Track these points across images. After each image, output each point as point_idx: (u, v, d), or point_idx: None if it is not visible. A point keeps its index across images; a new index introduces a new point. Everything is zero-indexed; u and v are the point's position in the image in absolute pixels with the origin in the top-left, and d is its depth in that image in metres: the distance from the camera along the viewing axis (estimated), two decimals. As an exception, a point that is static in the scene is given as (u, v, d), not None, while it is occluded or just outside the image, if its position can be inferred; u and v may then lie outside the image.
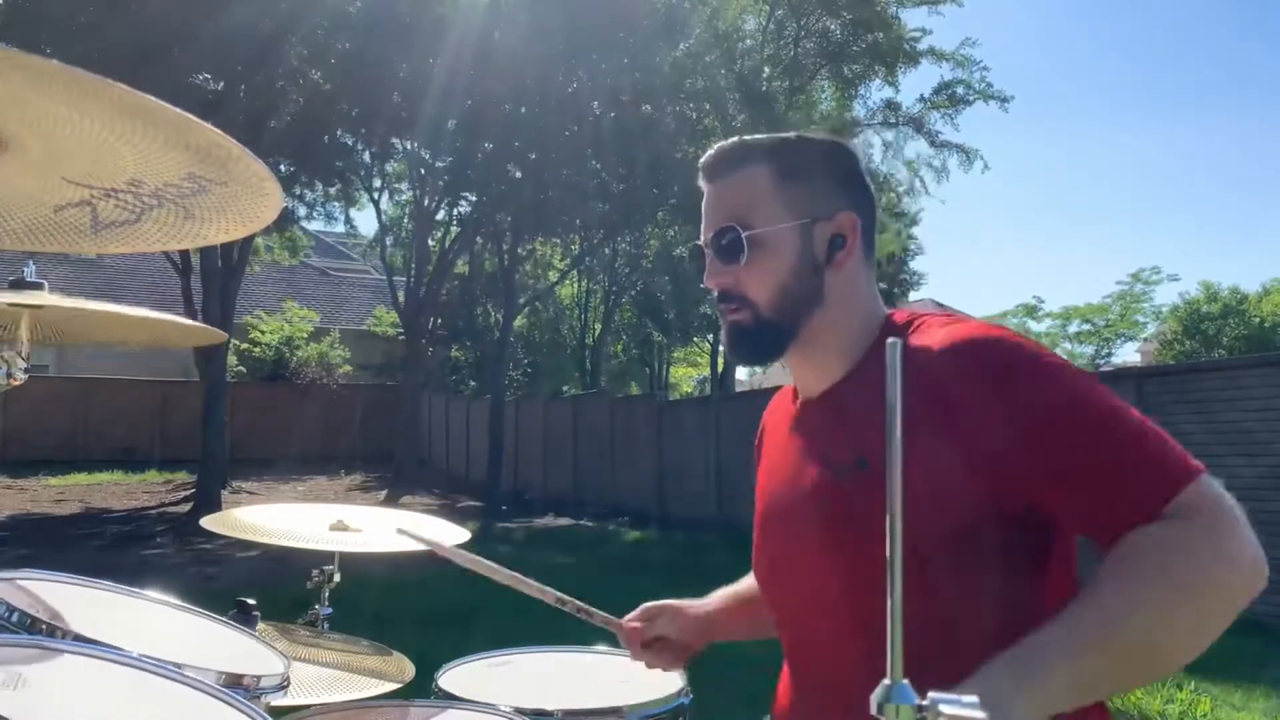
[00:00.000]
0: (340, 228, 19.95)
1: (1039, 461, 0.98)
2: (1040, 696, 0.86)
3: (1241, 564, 0.91)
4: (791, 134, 1.23)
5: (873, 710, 0.66)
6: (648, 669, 1.47)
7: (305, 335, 23.82)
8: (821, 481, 1.14)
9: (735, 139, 1.22)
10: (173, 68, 11.59)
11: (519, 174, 15.78)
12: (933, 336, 1.08)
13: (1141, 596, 0.90)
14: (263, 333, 23.17)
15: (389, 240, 20.48)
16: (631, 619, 1.46)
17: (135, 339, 1.59)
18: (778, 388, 1.47)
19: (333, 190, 16.91)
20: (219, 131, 0.87)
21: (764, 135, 1.23)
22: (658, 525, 13.62)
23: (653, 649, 1.45)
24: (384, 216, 19.22)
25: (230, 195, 0.98)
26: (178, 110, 0.84)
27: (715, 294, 1.21)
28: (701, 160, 1.24)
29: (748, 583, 1.46)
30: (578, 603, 1.42)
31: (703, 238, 1.22)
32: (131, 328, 1.52)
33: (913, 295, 26.67)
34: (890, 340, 0.69)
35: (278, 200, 0.98)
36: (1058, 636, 0.89)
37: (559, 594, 1.41)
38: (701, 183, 1.24)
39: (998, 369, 1.01)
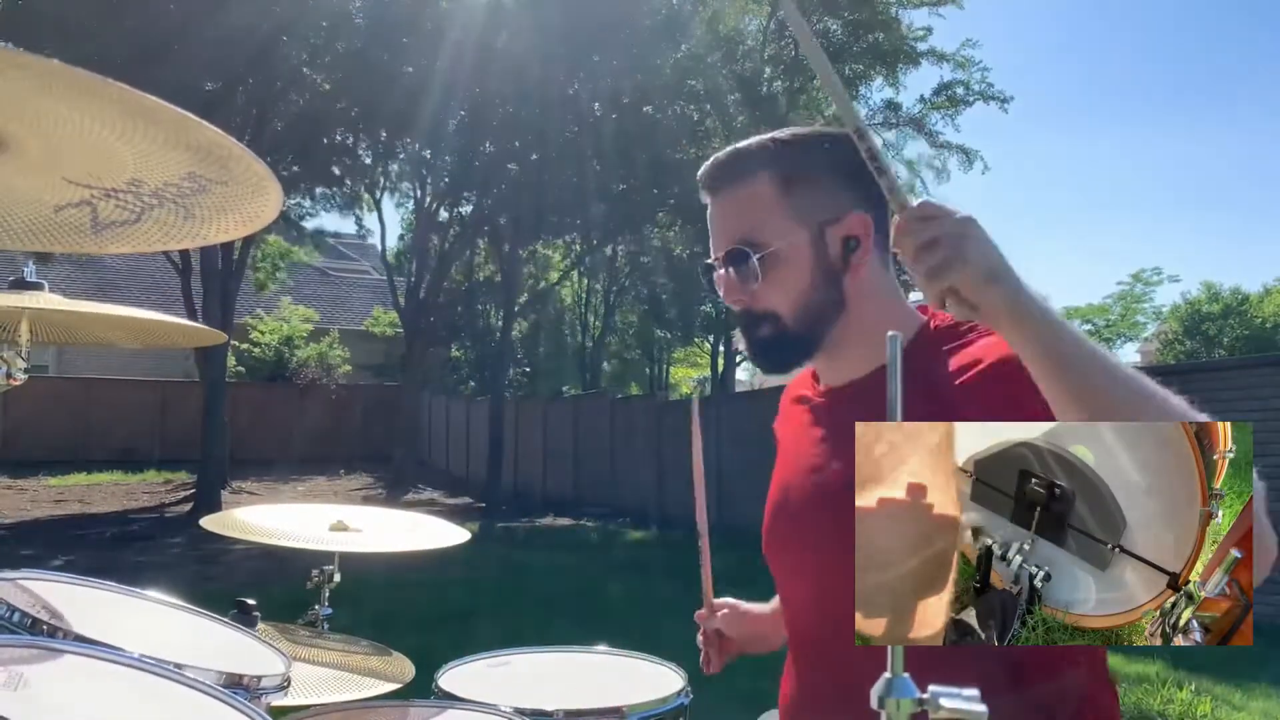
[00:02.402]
0: (339, 227, 19.99)
1: None
2: (1016, 298, 0.93)
3: None
4: (787, 132, 1.21)
5: (873, 704, 0.67)
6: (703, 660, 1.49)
7: (305, 335, 23.82)
8: (845, 477, 1.14)
9: (730, 148, 1.21)
10: (173, 68, 11.58)
11: (520, 174, 15.79)
12: (987, 351, 1.09)
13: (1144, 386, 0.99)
14: (262, 333, 23.18)
15: (390, 241, 20.51)
16: (717, 608, 1.49)
17: (135, 340, 1.59)
18: (778, 388, 1.47)
19: (333, 195, 16.92)
20: (219, 131, 0.87)
21: (761, 136, 1.21)
22: (658, 525, 13.63)
23: (710, 639, 1.49)
24: (384, 217, 19.24)
25: (230, 195, 0.98)
26: (178, 109, 0.84)
27: (736, 310, 1.20)
28: (700, 173, 1.22)
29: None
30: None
31: (712, 253, 1.20)
32: (131, 328, 1.52)
33: (914, 295, 26.62)
34: (890, 334, 0.70)
35: (277, 200, 0.98)
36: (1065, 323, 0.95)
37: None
38: (703, 195, 1.23)
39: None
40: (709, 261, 1.22)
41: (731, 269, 1.18)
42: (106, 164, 0.93)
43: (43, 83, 0.81)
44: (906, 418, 0.76)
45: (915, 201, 0.96)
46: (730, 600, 1.50)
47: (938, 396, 1.07)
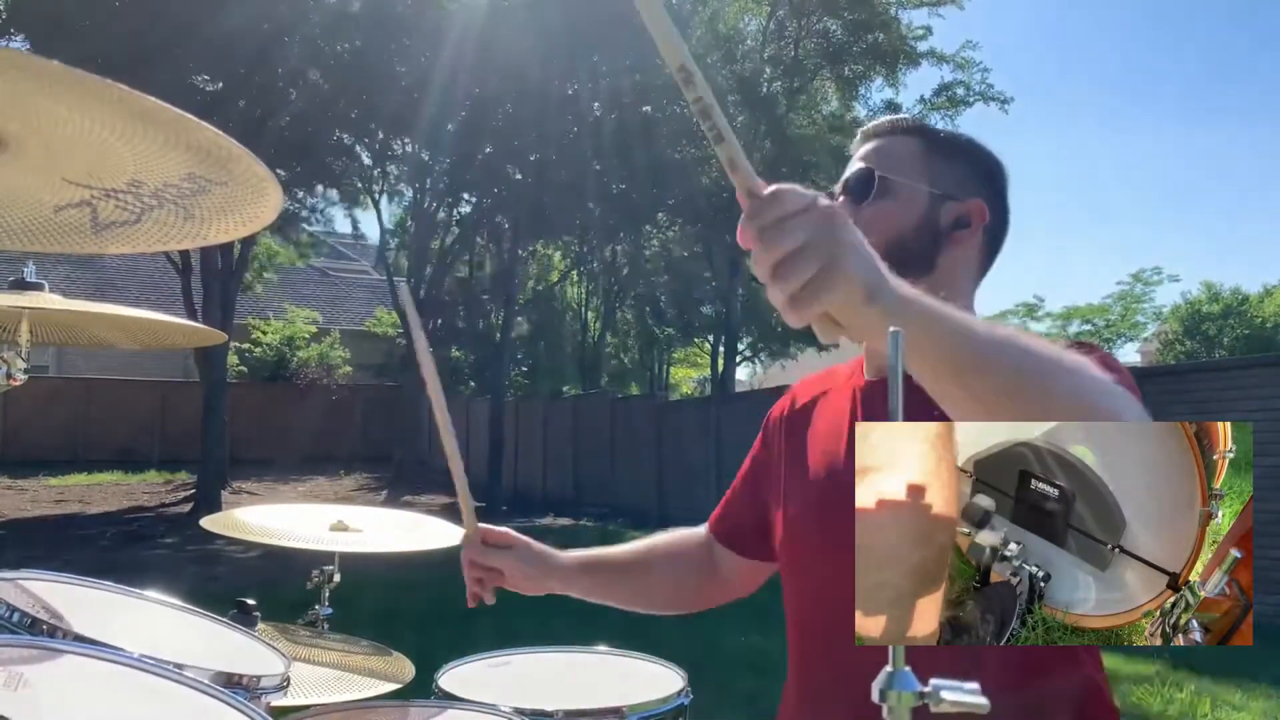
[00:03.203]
0: (340, 228, 19.99)
1: None
2: (898, 312, 0.79)
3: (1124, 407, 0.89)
4: (950, 130, 1.31)
5: (874, 698, 0.67)
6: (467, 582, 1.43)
7: (307, 336, 23.83)
8: None
9: (895, 115, 1.33)
10: (173, 68, 11.59)
11: (519, 175, 15.79)
12: None
13: (1036, 345, 0.87)
14: (264, 333, 23.19)
15: (390, 241, 20.49)
16: (490, 533, 1.45)
17: (135, 340, 1.59)
18: (778, 388, 1.48)
19: (333, 193, 16.93)
20: (218, 131, 0.87)
21: (923, 122, 1.31)
22: (657, 525, 13.56)
23: (479, 569, 1.42)
24: (384, 218, 19.24)
25: (230, 195, 0.98)
26: (177, 110, 0.84)
27: None
28: (865, 127, 1.30)
29: (616, 551, 1.50)
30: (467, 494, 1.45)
31: (839, 186, 1.26)
32: (131, 328, 1.53)
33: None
34: (892, 330, 0.67)
35: (277, 200, 0.98)
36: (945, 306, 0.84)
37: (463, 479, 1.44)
38: (856, 144, 1.29)
39: None
40: (829, 189, 1.26)
41: (850, 191, 1.23)
42: (106, 164, 0.93)
43: (43, 83, 0.81)
44: (925, 418, 0.76)
45: (766, 187, 0.77)
46: (520, 535, 1.46)
47: None
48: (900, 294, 0.80)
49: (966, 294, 1.24)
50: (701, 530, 1.53)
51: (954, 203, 1.22)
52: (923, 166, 1.23)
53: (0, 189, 0.99)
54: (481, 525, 1.45)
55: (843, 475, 1.23)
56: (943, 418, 0.80)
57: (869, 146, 1.27)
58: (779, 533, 1.33)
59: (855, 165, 1.25)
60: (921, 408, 0.86)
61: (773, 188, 0.77)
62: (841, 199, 1.24)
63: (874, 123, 1.29)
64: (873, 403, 1.23)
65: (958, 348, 0.83)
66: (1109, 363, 1.05)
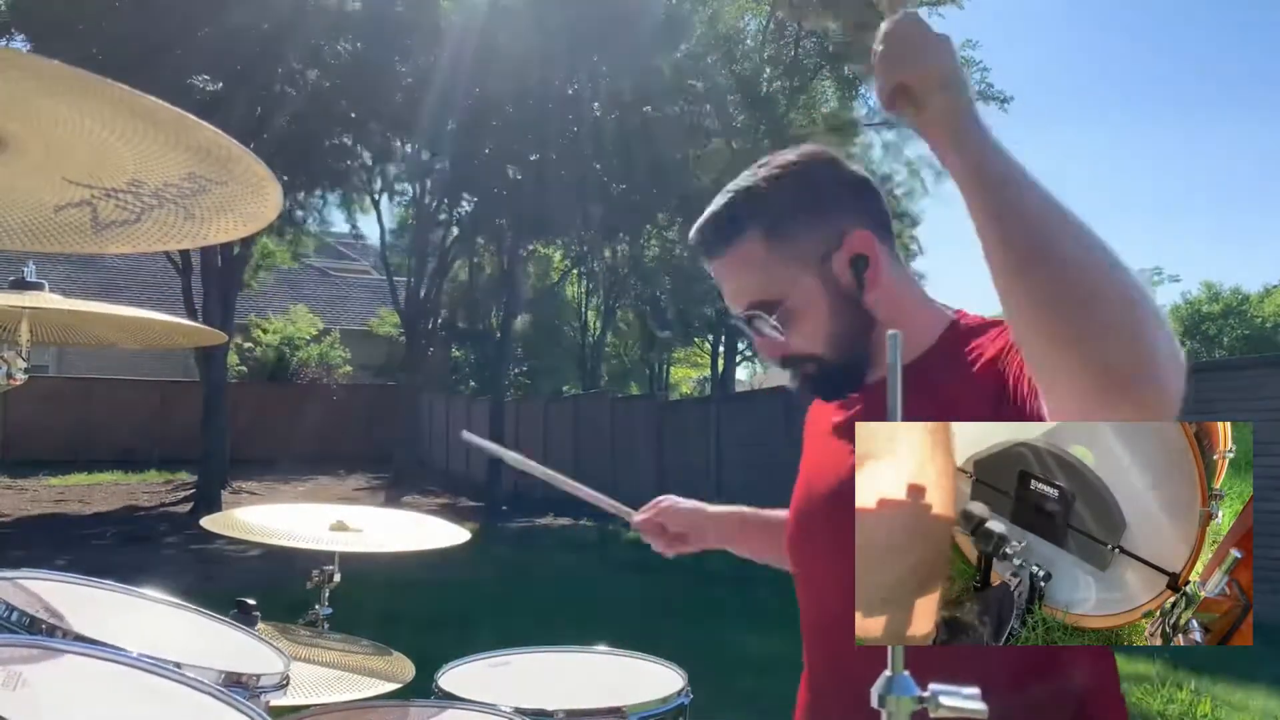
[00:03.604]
0: (341, 228, 19.98)
1: None
2: (961, 112, 0.91)
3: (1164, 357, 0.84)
4: (761, 174, 1.18)
5: (874, 703, 0.67)
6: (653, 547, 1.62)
7: (309, 336, 23.83)
8: None
9: (710, 211, 1.19)
10: (173, 68, 11.59)
11: (519, 175, 15.79)
12: (992, 345, 1.09)
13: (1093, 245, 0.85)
14: (265, 331, 23.19)
15: (390, 241, 20.49)
16: (645, 508, 1.64)
17: (135, 340, 1.59)
18: (779, 388, 1.49)
19: (333, 194, 16.93)
20: (218, 131, 0.87)
21: (732, 189, 1.19)
22: (658, 525, 13.62)
23: (651, 532, 1.62)
24: (384, 218, 19.24)
25: (230, 195, 0.98)
26: (178, 110, 0.84)
27: (778, 362, 1.21)
28: (690, 240, 1.24)
29: (767, 512, 1.57)
30: (593, 493, 1.72)
31: (731, 308, 1.21)
32: (131, 328, 1.53)
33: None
34: (890, 332, 0.69)
35: (277, 200, 0.98)
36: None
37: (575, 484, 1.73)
38: (701, 260, 1.24)
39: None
40: (733, 319, 1.23)
41: (755, 332, 1.19)
42: (107, 164, 0.93)
43: (43, 82, 0.82)
44: (922, 417, 0.76)
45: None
46: (670, 497, 1.64)
47: (978, 390, 1.07)
48: (972, 109, 0.92)
49: (910, 296, 1.20)
50: None
51: (836, 253, 1.14)
52: (783, 255, 1.15)
53: (1, 189, 0.99)
54: (639, 515, 1.64)
55: (832, 482, 1.23)
56: (935, 417, 0.81)
57: (721, 268, 1.19)
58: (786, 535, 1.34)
59: (735, 302, 1.19)
60: (918, 407, 0.87)
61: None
62: (754, 333, 1.20)
63: (696, 236, 1.20)
64: (867, 406, 1.22)
65: (993, 168, 0.90)
66: None
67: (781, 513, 1.51)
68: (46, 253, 1.09)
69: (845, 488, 1.18)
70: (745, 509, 1.60)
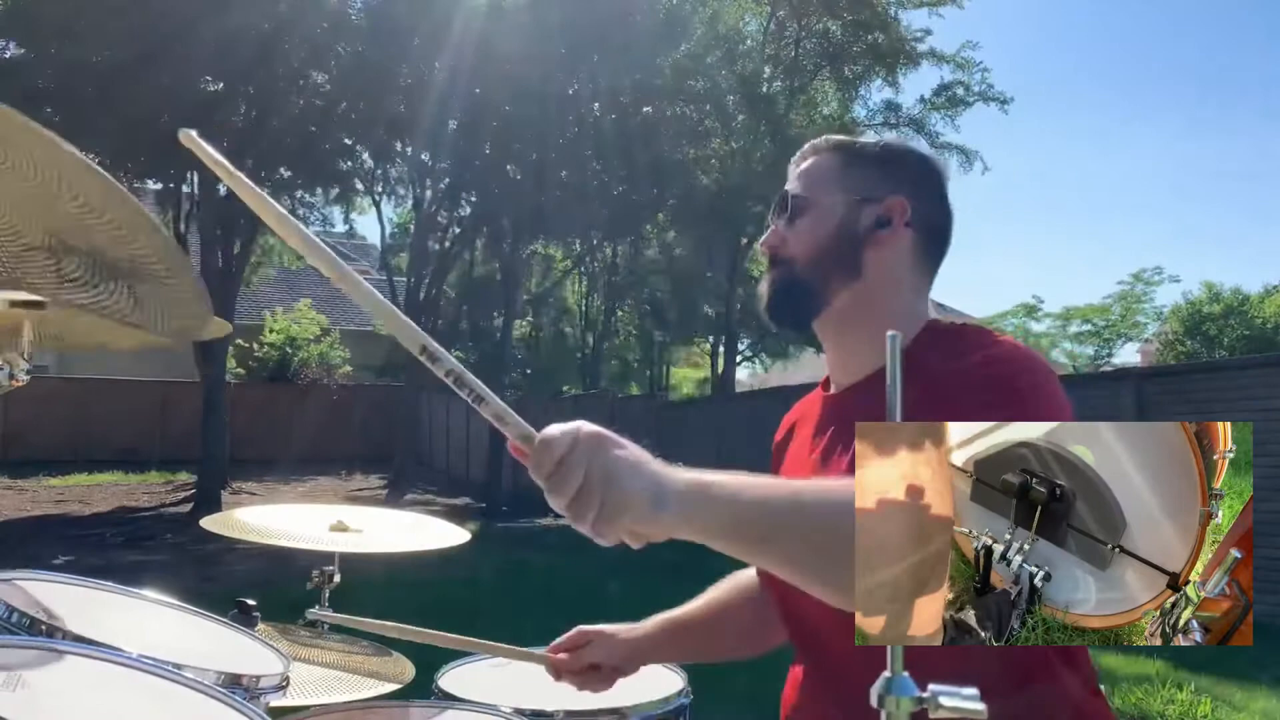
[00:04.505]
0: (341, 229, 19.98)
1: None
2: (687, 508, 0.89)
3: None
4: (875, 138, 1.34)
5: (873, 703, 0.67)
6: (578, 690, 1.50)
7: (312, 336, 23.81)
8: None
9: (825, 136, 1.34)
10: (173, 68, 11.57)
11: (519, 176, 15.79)
12: (969, 358, 1.12)
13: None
14: (273, 330, 23.20)
15: (390, 242, 20.50)
16: (561, 646, 1.50)
17: (136, 339, 1.59)
18: (778, 389, 1.50)
19: (334, 194, 16.93)
20: (164, 241, 0.88)
21: (848, 137, 1.34)
22: (658, 526, 13.61)
23: (583, 675, 1.48)
24: (384, 219, 19.24)
25: (172, 298, 0.99)
26: (136, 204, 0.84)
27: (766, 256, 1.30)
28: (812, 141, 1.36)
29: (691, 609, 1.51)
30: (494, 644, 1.57)
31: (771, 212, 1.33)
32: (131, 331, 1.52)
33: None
34: (890, 333, 0.70)
35: (214, 325, 0.99)
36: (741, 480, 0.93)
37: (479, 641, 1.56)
38: (789, 170, 1.36)
39: (1005, 404, 1.05)
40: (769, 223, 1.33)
41: (778, 215, 1.29)
42: (71, 226, 0.94)
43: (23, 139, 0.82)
44: (911, 417, 0.76)
45: (536, 435, 0.89)
46: (592, 628, 1.50)
47: (933, 395, 1.08)
48: (680, 490, 0.89)
49: (908, 290, 1.25)
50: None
51: (872, 205, 1.24)
52: (839, 179, 1.27)
53: None
54: (550, 649, 1.51)
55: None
56: (921, 406, 0.81)
57: (795, 171, 1.32)
58: None
59: (781, 191, 1.32)
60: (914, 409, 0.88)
61: (540, 437, 0.88)
62: (774, 222, 1.30)
63: (805, 148, 1.34)
64: (841, 412, 1.25)
65: (741, 526, 0.91)
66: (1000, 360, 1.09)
67: (695, 606, 1.51)
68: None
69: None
70: (664, 618, 1.52)
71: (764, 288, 1.29)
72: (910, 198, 1.24)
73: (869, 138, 1.35)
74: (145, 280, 0.97)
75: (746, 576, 1.52)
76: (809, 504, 0.93)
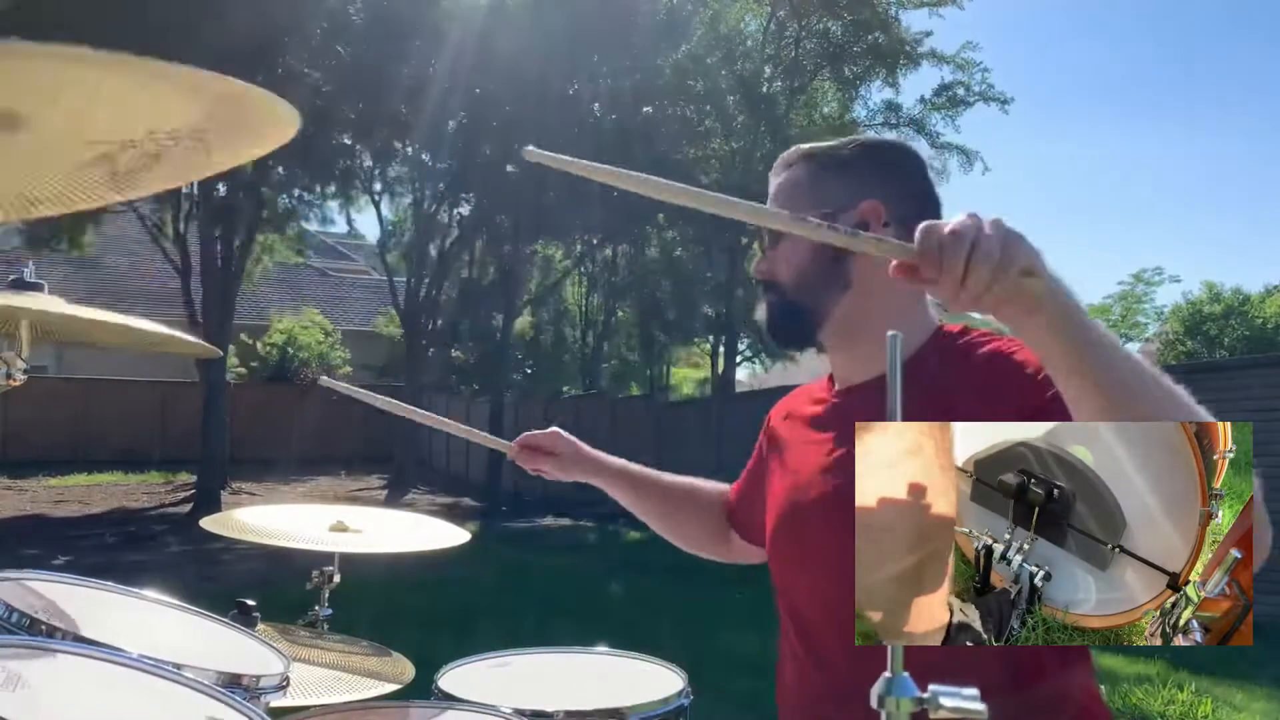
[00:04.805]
0: (341, 228, 19.99)
1: None
2: (1045, 289, 0.91)
3: None
4: (845, 138, 1.32)
5: (873, 703, 0.67)
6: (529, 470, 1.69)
7: (315, 340, 23.82)
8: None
9: (796, 146, 1.33)
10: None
11: (519, 175, 15.79)
12: (974, 357, 1.15)
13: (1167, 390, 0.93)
14: (279, 332, 23.23)
15: (390, 242, 20.50)
16: (533, 439, 1.69)
17: (135, 343, 1.59)
18: (778, 389, 1.50)
19: (332, 192, 16.92)
20: (227, 78, 0.88)
21: (822, 142, 1.33)
22: (658, 526, 13.62)
23: (537, 458, 1.67)
24: (385, 218, 19.24)
25: (243, 120, 0.98)
26: (187, 67, 0.84)
27: (757, 281, 1.32)
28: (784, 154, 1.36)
29: (657, 475, 1.68)
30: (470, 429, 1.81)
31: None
32: (131, 334, 1.52)
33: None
34: (890, 334, 0.70)
35: (290, 116, 0.98)
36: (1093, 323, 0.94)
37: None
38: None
39: (1024, 402, 1.06)
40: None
41: (758, 241, 1.32)
42: (125, 118, 0.94)
43: (53, 62, 0.83)
44: (912, 419, 0.76)
45: (928, 234, 0.89)
46: (565, 434, 1.69)
47: (946, 399, 1.09)
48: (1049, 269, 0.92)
49: (903, 291, 1.21)
50: (726, 494, 1.63)
51: (846, 214, 1.22)
52: (809, 194, 1.25)
53: (27, 162, 0.99)
54: (519, 441, 1.69)
55: (812, 496, 1.26)
56: (919, 418, 0.81)
57: (772, 188, 1.32)
58: (766, 543, 1.37)
59: None
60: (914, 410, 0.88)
61: (948, 228, 0.87)
62: (760, 259, 1.32)
63: (779, 159, 1.33)
64: (847, 410, 1.25)
65: (1085, 328, 0.93)
66: None
67: (676, 479, 1.66)
68: (67, 213, 1.10)
69: (830, 491, 1.19)
70: (636, 468, 1.68)
71: (761, 313, 1.31)
72: (883, 199, 1.23)
73: (840, 140, 1.32)
74: (214, 127, 0.96)
75: (718, 493, 1.65)
76: (1134, 356, 0.96)
